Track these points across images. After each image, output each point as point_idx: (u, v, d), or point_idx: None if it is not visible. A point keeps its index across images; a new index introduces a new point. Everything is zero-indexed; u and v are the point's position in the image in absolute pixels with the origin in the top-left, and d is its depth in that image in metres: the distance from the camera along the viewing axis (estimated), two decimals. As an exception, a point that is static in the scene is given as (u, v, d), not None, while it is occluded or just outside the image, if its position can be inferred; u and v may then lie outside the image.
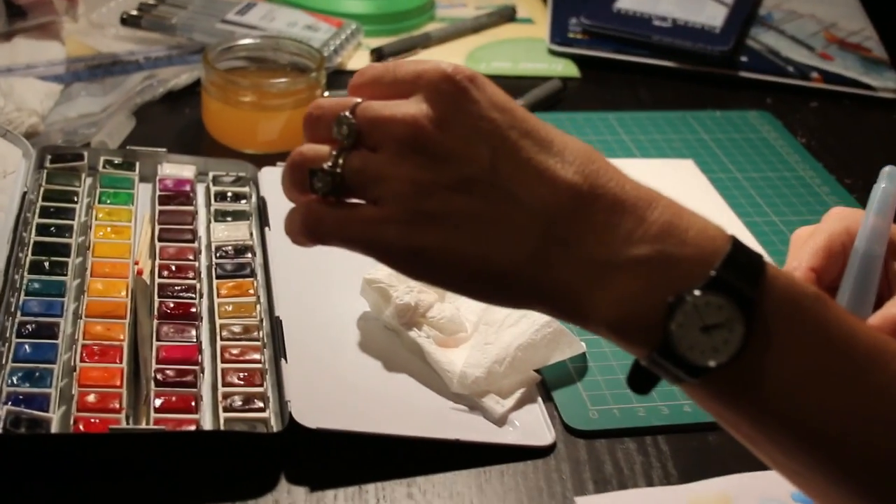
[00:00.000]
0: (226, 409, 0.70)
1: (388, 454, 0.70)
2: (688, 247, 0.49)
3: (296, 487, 0.67)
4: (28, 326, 0.75)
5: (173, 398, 0.70)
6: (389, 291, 0.78)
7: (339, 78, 1.16)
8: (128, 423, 0.69)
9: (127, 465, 0.68)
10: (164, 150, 0.94)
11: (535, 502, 0.69)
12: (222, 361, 0.74)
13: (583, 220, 0.49)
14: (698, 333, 0.48)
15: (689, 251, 0.49)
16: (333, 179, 0.51)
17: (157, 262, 0.82)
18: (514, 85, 1.19)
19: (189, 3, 1.22)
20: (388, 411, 0.73)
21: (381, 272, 0.79)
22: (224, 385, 0.72)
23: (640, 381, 0.50)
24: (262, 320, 0.78)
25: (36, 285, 0.78)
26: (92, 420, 0.68)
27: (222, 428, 0.69)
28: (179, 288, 0.80)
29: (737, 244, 0.49)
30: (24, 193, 0.87)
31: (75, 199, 0.88)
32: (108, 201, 0.89)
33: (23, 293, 0.78)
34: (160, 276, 0.81)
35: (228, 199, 0.91)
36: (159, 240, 0.85)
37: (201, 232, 0.87)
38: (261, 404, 0.71)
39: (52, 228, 0.84)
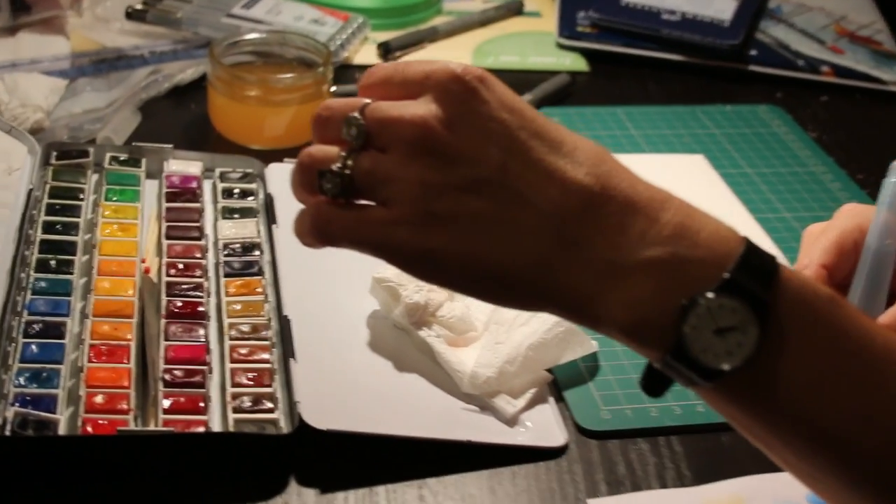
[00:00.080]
0: (235, 410, 0.69)
1: (399, 455, 0.70)
2: (700, 248, 0.48)
3: (306, 489, 0.67)
4: (35, 326, 0.74)
5: (182, 399, 0.70)
6: (399, 290, 0.78)
7: (345, 72, 1.15)
8: (136, 425, 0.68)
9: (135, 467, 0.67)
10: (170, 146, 0.94)
11: (546, 504, 0.68)
12: (231, 361, 0.73)
13: (594, 221, 0.49)
14: (712, 336, 0.47)
15: (701, 253, 0.48)
16: (342, 181, 0.51)
17: (165, 259, 0.82)
18: (523, 79, 1.18)
19: (194, -3, 1.21)
20: (398, 412, 0.72)
21: (391, 270, 0.78)
22: (233, 385, 0.71)
23: (653, 383, 0.50)
24: (270, 319, 0.77)
25: (42, 284, 0.78)
26: (100, 421, 0.68)
27: (232, 429, 0.69)
28: (187, 286, 0.79)
29: (750, 246, 0.49)
30: (31, 190, 0.86)
31: (81, 197, 0.88)
32: (115, 198, 0.88)
33: (29, 292, 0.77)
34: (168, 275, 0.80)
35: (235, 195, 0.91)
36: (166, 237, 0.84)
37: (208, 229, 0.87)
38: (270, 405, 0.70)
39: (59, 226, 0.84)
